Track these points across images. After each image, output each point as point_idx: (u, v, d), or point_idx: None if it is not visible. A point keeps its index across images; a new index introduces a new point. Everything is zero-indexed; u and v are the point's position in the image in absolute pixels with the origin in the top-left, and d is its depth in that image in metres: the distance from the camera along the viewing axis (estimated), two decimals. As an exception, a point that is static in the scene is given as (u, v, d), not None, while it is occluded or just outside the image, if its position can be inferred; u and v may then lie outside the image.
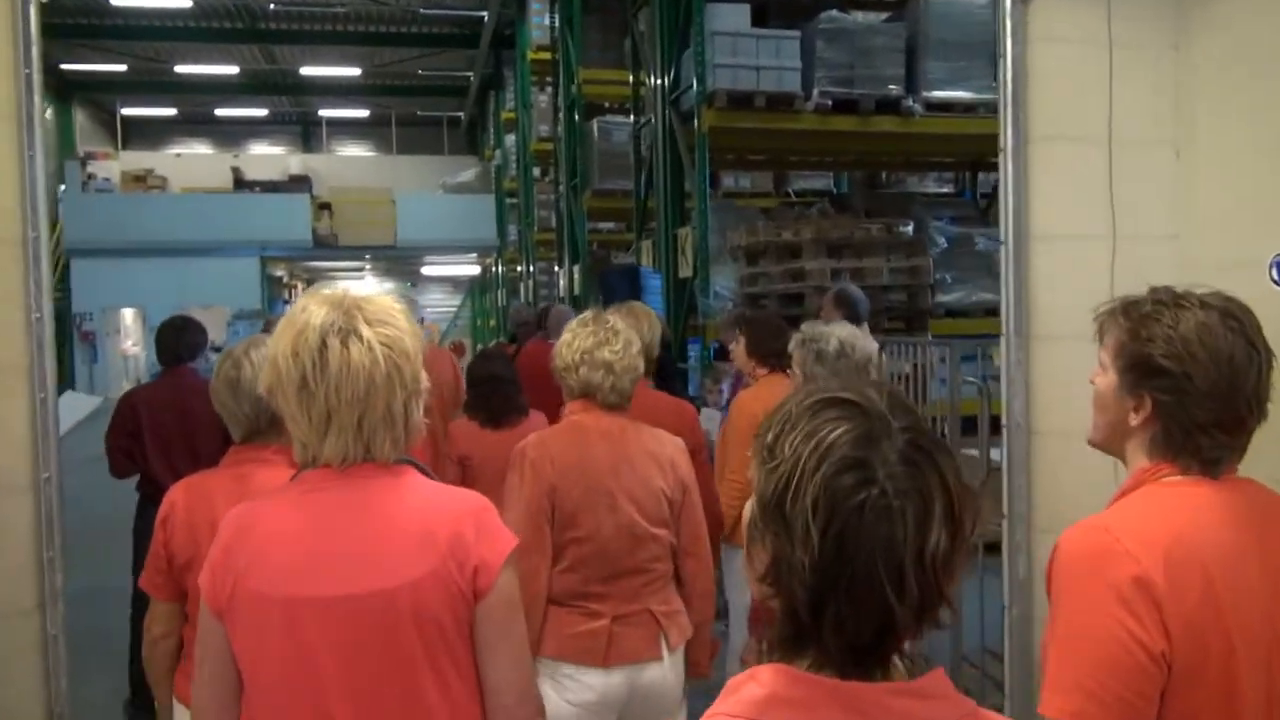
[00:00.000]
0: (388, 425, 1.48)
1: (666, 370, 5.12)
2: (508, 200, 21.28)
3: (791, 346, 3.20)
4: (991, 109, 7.82)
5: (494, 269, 24.72)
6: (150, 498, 4.28)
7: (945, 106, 7.50)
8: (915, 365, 5.20)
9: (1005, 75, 2.88)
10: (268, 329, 4.02)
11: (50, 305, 2.31)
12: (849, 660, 0.92)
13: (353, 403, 1.44)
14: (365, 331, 1.45)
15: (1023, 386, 2.87)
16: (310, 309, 1.47)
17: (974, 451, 4.49)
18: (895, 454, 0.90)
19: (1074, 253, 2.81)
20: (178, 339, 4.32)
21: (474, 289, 29.55)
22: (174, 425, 4.17)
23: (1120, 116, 2.77)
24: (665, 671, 2.45)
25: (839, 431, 0.91)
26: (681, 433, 3.16)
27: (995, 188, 10.35)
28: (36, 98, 2.32)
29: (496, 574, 1.47)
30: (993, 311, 7.90)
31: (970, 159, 9.70)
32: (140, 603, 4.25)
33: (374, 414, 1.46)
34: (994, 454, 4.34)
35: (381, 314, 1.49)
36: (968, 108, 7.56)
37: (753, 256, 6.65)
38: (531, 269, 17.89)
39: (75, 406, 15.73)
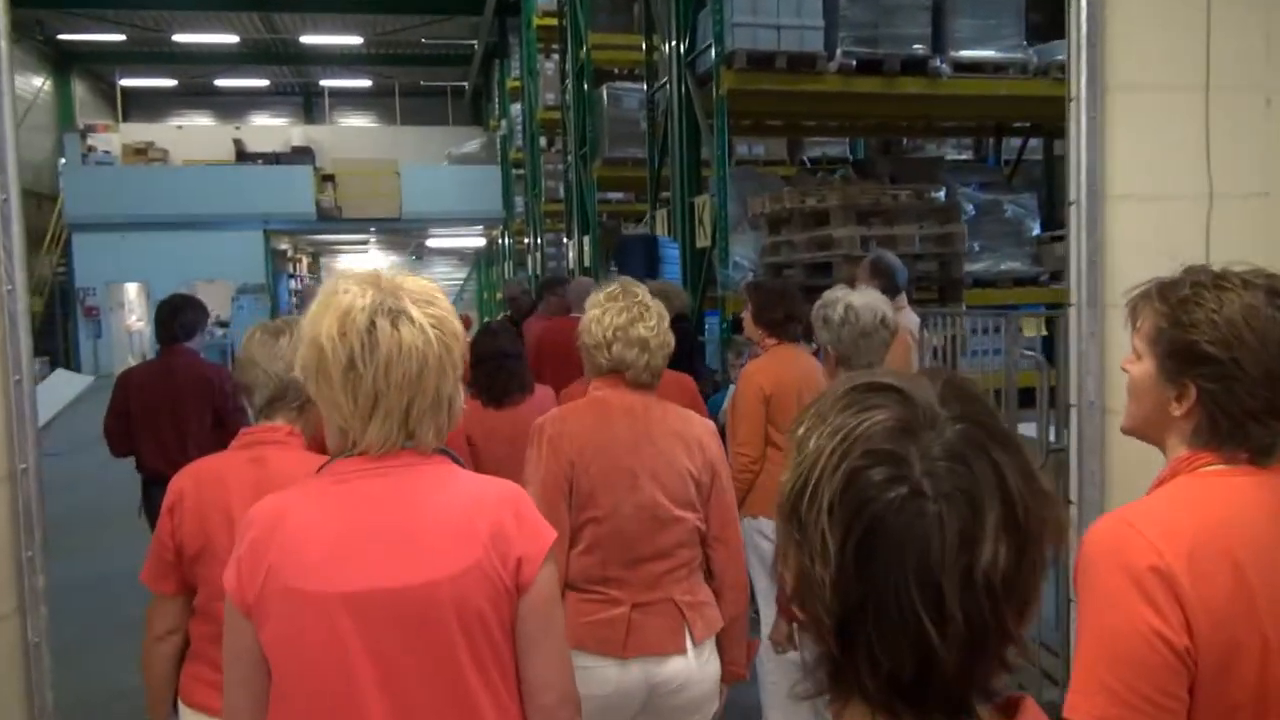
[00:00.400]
0: (435, 410, 1.43)
1: (686, 344, 4.88)
2: (514, 171, 20.95)
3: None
4: (1022, 69, 7.55)
5: (500, 241, 24.43)
6: (150, 479, 4.25)
7: (973, 67, 7.20)
8: (948, 337, 4.96)
9: (1079, 15, 2.59)
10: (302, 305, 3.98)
11: (23, 276, 2.06)
12: (903, 709, 0.75)
13: (403, 386, 1.39)
14: (414, 312, 1.40)
15: (1096, 361, 2.61)
16: (351, 289, 1.40)
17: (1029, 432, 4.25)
18: (939, 447, 0.74)
19: (1158, 213, 2.54)
20: (173, 319, 4.31)
21: (479, 262, 29.28)
22: (163, 405, 4.18)
23: (1212, 59, 2.49)
24: (689, 666, 2.30)
25: (871, 422, 0.76)
26: (683, 405, 3.11)
27: (1019, 154, 10.06)
28: (3, 42, 2.06)
29: (539, 568, 1.43)
30: (1021, 281, 7.68)
31: (995, 122, 9.38)
32: None
33: (424, 399, 1.41)
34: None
35: (425, 294, 1.44)
36: (997, 68, 7.26)
37: (775, 225, 6.38)
38: (539, 241, 17.61)
39: (67, 385, 15.51)
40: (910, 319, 4.16)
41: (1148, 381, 1.38)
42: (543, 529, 1.47)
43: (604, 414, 2.34)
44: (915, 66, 7.00)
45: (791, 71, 6.81)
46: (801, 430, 0.81)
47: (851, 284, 3.64)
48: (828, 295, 2.99)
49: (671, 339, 2.44)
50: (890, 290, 4.14)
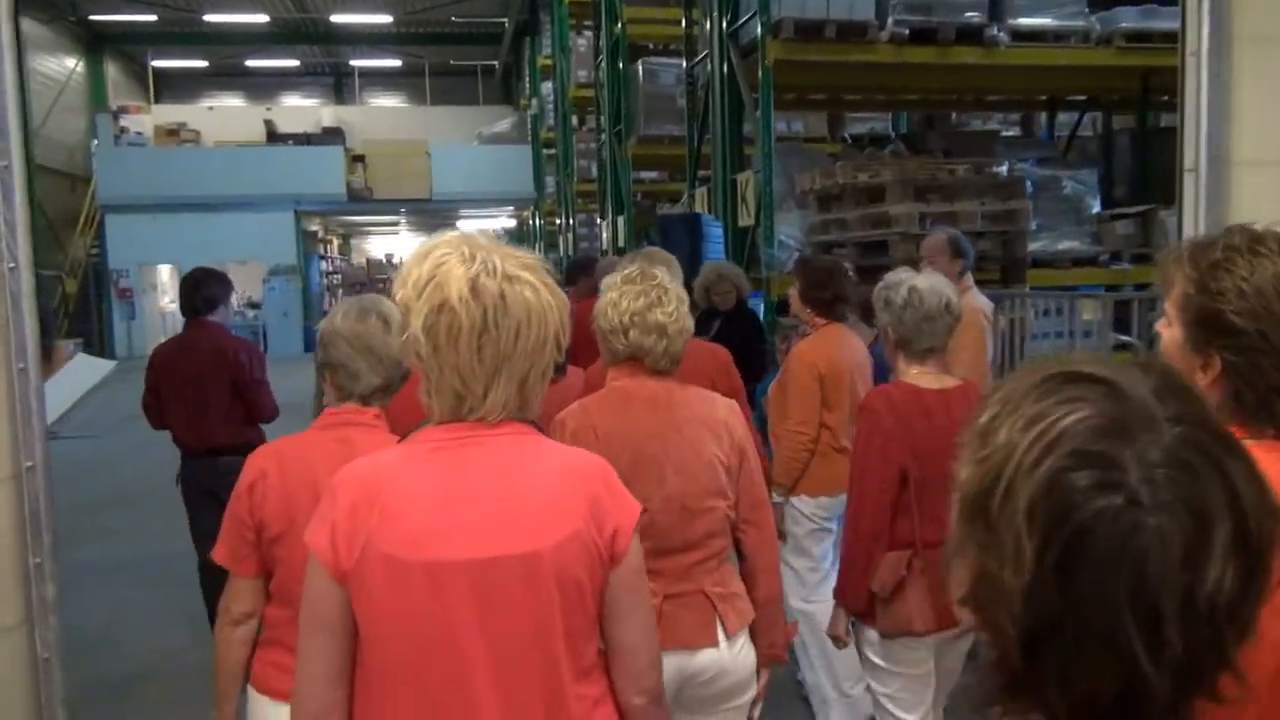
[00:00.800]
0: (543, 380, 1.44)
1: (749, 327, 4.61)
2: (545, 151, 20.70)
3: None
4: (1084, 38, 7.16)
5: (531, 222, 24.21)
6: (183, 452, 4.29)
7: (1032, 36, 6.86)
8: (1014, 320, 4.69)
9: (1201, -41, 2.30)
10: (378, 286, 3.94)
11: (27, 251, 1.85)
12: None
13: (528, 351, 1.40)
14: (529, 276, 1.40)
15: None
16: (462, 250, 1.38)
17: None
18: (1159, 452, 0.67)
19: (1292, 181, 2.25)
20: (195, 292, 4.32)
21: (510, 243, 29.07)
22: (185, 379, 4.21)
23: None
24: (722, 658, 2.25)
25: (1076, 417, 0.69)
26: (715, 376, 3.22)
27: (1074, 129, 9.66)
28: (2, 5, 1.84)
29: (630, 538, 1.45)
30: (1080, 261, 7.32)
31: (1049, 95, 9.00)
32: (212, 570, 4.29)
33: (540, 364, 1.42)
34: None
35: (531, 261, 1.43)
36: (1057, 36, 6.91)
37: (825, 202, 6.09)
38: (571, 221, 17.37)
39: (88, 371, 15.40)
40: (982, 301, 3.89)
41: (1175, 349, 1.32)
42: (630, 500, 1.48)
43: (626, 405, 2.27)
44: (971, 35, 6.67)
45: (840, 41, 6.52)
46: (987, 418, 0.75)
47: (915, 265, 3.47)
48: (891, 276, 2.84)
49: (690, 324, 2.37)
50: (963, 270, 3.89)
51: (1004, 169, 5.72)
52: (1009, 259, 5.45)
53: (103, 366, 15.76)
